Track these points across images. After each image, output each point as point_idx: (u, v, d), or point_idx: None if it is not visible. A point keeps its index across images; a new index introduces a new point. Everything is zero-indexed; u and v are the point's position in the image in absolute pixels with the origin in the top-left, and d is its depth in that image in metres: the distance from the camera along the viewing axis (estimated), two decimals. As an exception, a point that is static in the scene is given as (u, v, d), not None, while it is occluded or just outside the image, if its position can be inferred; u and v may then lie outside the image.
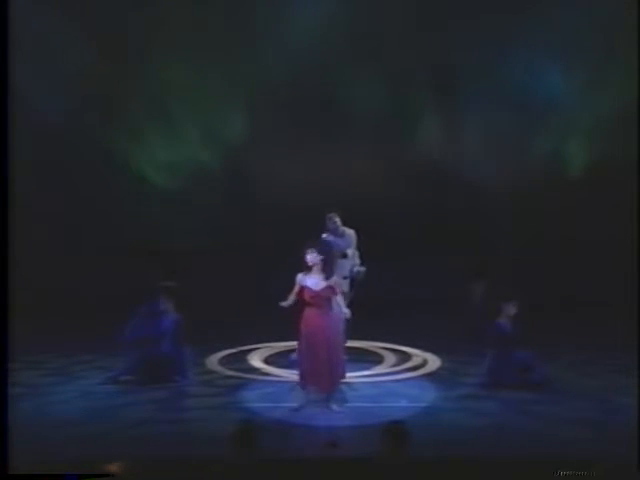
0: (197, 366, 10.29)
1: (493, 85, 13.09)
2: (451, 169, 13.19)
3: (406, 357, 10.90)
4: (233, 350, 11.15)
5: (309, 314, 8.64)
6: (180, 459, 7.13)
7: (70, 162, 13.29)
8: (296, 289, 8.61)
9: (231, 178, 13.33)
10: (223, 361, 10.68)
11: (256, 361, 10.73)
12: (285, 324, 10.47)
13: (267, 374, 10.24)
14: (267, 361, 10.75)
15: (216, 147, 13.41)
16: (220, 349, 11.06)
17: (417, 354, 10.97)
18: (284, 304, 8.59)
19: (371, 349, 11.26)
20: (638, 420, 7.73)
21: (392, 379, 10.03)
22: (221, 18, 12.77)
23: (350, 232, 10.47)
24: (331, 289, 8.59)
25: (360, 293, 10.63)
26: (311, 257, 8.61)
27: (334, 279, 8.63)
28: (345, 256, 10.30)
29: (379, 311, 11.79)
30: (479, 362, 9.82)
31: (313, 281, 8.61)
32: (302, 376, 8.72)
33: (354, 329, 10.72)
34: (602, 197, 12.83)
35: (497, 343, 9.55)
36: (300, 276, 8.60)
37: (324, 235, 10.32)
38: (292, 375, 9.93)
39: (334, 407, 8.64)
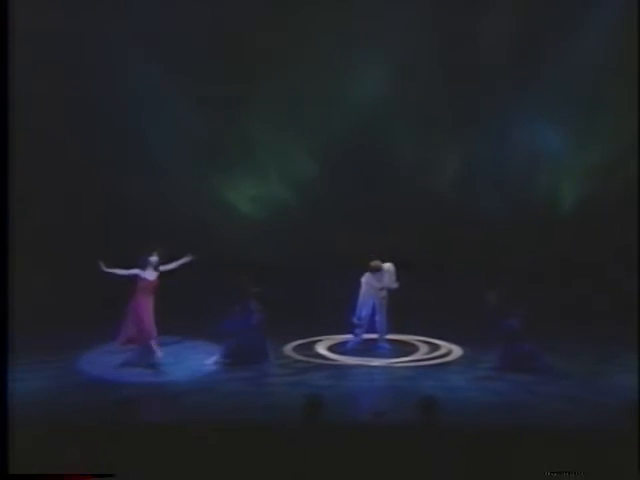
0: (276, 352, 10.45)
1: (501, 140, 12.91)
2: (468, 204, 12.99)
3: (436, 347, 10.95)
4: (304, 340, 11.15)
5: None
6: (261, 424, 7.14)
7: (166, 189, 12.92)
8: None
9: (304, 208, 13.23)
10: (296, 349, 10.82)
11: (321, 349, 10.85)
12: (343, 321, 10.94)
13: (330, 359, 10.39)
14: (330, 349, 10.83)
15: (291, 184, 13.33)
16: (294, 339, 11.10)
17: (444, 345, 11.00)
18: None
19: (409, 341, 11.31)
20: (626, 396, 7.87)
21: (425, 364, 10.16)
22: (302, 82, 12.43)
23: (389, 269, 10.89)
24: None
25: (398, 300, 10.87)
26: (152, 259, 10.12)
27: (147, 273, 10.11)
28: (382, 289, 10.90)
29: (415, 313, 11.57)
30: (493, 352, 9.95)
31: (148, 274, 10.12)
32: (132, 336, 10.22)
33: (396, 326, 11.11)
34: (592, 225, 12.54)
35: (507, 338, 9.68)
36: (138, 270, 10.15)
37: (366, 275, 10.76)
38: (349, 360, 10.31)
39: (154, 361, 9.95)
